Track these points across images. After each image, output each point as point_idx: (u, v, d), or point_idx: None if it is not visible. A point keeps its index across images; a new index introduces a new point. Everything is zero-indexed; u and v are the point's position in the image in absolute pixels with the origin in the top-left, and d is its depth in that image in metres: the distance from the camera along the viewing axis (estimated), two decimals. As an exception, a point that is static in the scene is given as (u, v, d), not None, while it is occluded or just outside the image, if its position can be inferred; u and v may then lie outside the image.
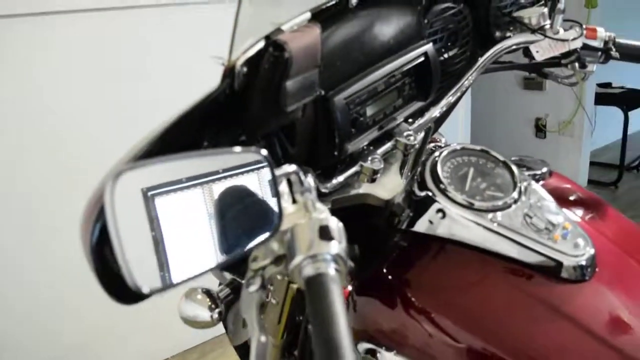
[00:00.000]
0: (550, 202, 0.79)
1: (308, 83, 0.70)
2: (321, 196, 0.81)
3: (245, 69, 0.64)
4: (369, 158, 0.84)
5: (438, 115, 0.95)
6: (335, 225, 0.58)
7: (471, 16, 1.02)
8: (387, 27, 0.86)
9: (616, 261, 0.78)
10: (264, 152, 0.53)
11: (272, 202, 0.54)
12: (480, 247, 0.77)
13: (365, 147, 0.87)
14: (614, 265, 0.77)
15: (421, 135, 0.98)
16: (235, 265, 0.69)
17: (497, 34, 1.00)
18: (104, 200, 0.44)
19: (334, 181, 0.82)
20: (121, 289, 0.59)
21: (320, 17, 0.75)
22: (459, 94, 0.97)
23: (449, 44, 1.00)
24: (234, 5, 0.64)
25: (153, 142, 0.58)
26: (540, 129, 3.96)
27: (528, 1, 1.03)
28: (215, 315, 0.89)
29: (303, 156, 0.84)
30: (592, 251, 0.74)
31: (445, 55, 1.01)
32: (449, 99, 0.96)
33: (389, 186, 0.87)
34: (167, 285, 0.48)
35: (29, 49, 1.81)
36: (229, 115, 0.68)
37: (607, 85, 4.06)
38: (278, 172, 0.58)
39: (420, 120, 0.94)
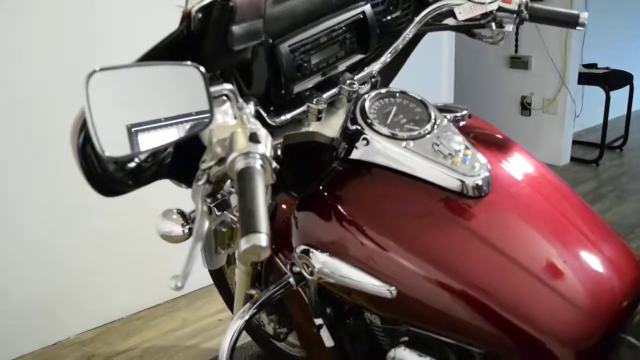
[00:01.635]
0: (456, 134, 0.95)
1: (253, 29, 0.87)
2: (271, 128, 0.98)
3: (200, 15, 0.82)
4: (315, 100, 1.01)
5: (379, 68, 1.12)
6: (264, 133, 0.76)
7: None
8: None
9: (509, 183, 0.94)
10: (201, 68, 0.70)
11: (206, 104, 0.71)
12: (397, 169, 0.94)
13: (312, 91, 1.04)
14: (506, 186, 0.93)
15: (367, 86, 1.16)
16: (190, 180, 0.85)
17: None
18: (84, 93, 0.62)
19: (282, 117, 0.99)
20: (102, 183, 0.79)
21: None
22: (396, 50, 1.13)
23: (390, 7, 1.16)
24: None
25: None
26: (525, 107, 4.11)
27: (463, -29, 1.19)
28: (187, 231, 1.06)
29: (259, 95, 1.01)
30: (486, 173, 0.90)
31: (389, 17, 1.17)
32: (387, 55, 1.12)
33: (335, 127, 1.04)
34: (132, 153, 0.66)
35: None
36: (190, 53, 0.86)
37: (593, 66, 4.19)
38: (215, 87, 0.75)
39: (364, 72, 1.11)
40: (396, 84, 3.00)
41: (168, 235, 1.06)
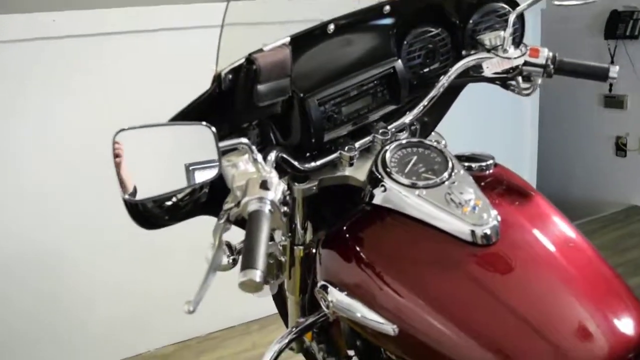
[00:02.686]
0: (469, 184, 1.00)
1: (279, 87, 0.98)
2: (301, 172, 1.09)
3: (230, 76, 0.95)
4: (346, 147, 1.11)
5: (412, 118, 1.19)
6: (275, 181, 0.87)
7: (450, 38, 1.25)
8: (358, 48, 1.14)
9: (520, 234, 0.98)
10: (213, 128, 0.83)
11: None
12: (412, 216, 1.00)
13: (346, 139, 1.14)
14: (517, 236, 0.97)
15: (406, 133, 1.23)
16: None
17: (463, 52, 1.23)
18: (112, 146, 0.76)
19: (312, 163, 1.09)
20: (141, 217, 0.94)
21: (302, 39, 1.04)
22: (432, 100, 1.20)
23: (427, 60, 1.24)
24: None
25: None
26: (620, 148, 3.95)
27: (501, 26, 1.24)
28: (231, 261, 1.18)
29: (294, 143, 1.12)
30: (495, 222, 0.95)
31: (425, 70, 1.25)
32: (422, 105, 1.19)
33: (367, 172, 1.13)
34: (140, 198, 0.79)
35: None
36: (222, 108, 0.99)
37: (698, 106, 3.96)
38: (226, 142, 0.87)
39: (398, 121, 1.19)
40: (481, 125, 3.02)
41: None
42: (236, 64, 0.94)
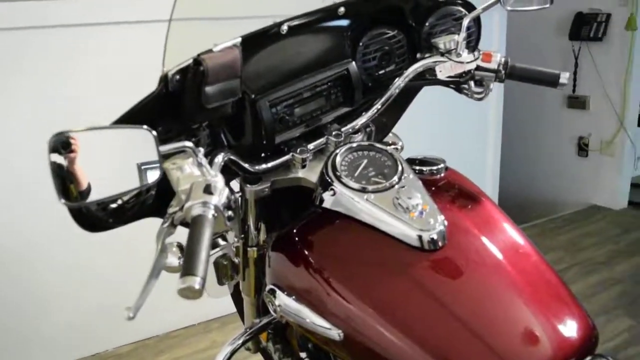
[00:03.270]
0: (417, 189, 1.00)
1: (228, 88, 0.96)
2: (250, 174, 1.07)
3: (177, 77, 0.93)
4: (299, 149, 1.10)
5: (365, 121, 1.19)
6: (220, 186, 0.85)
7: (406, 40, 1.25)
8: (311, 49, 1.12)
9: (467, 238, 0.98)
10: (153, 132, 0.81)
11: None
12: (361, 220, 1.00)
13: (299, 141, 1.13)
14: (463, 241, 0.98)
15: (360, 135, 1.23)
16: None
17: (419, 55, 1.23)
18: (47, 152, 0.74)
19: (264, 165, 1.08)
20: (85, 220, 0.91)
21: (254, 40, 1.02)
22: (386, 103, 1.19)
23: (383, 62, 1.23)
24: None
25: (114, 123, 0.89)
26: (582, 148, 4.02)
27: (457, 29, 1.24)
28: (181, 263, 1.16)
29: (245, 145, 1.10)
30: (441, 228, 0.95)
31: (381, 72, 1.24)
32: (376, 107, 1.19)
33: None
34: (78, 201, 0.77)
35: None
36: (171, 109, 0.97)
37: (658, 108, 4.05)
38: (170, 145, 0.86)
39: (352, 123, 1.18)
40: (444, 127, 3.03)
41: (167, 266, 1.17)
42: (183, 65, 0.92)
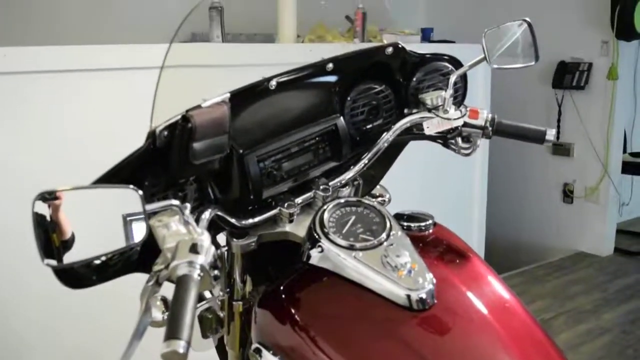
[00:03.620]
0: (405, 247, 0.99)
1: (216, 144, 0.96)
2: (236, 230, 1.07)
3: (165, 133, 0.92)
4: (286, 204, 1.09)
5: (353, 175, 1.19)
6: (206, 244, 0.84)
7: (393, 95, 1.26)
8: (299, 104, 1.13)
9: (456, 297, 0.97)
10: (140, 192, 0.80)
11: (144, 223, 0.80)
12: (349, 278, 0.99)
13: (286, 195, 1.12)
14: (452, 300, 0.97)
15: (348, 189, 1.22)
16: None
17: (406, 110, 1.24)
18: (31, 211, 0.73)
19: (251, 220, 1.07)
20: (67, 277, 0.89)
21: (242, 95, 1.02)
22: (373, 157, 1.19)
23: (370, 116, 1.24)
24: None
25: (98, 180, 0.89)
26: (567, 195, 4.06)
27: (444, 85, 1.26)
28: (166, 317, 1.14)
29: (232, 199, 1.10)
30: (430, 287, 0.94)
31: (369, 126, 1.25)
32: (363, 162, 1.19)
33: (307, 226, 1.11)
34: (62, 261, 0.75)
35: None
36: (158, 165, 0.96)
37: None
38: (156, 204, 0.85)
39: (339, 177, 1.18)
40: (430, 175, 3.03)
41: (152, 321, 1.15)
42: (171, 121, 0.92)
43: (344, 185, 1.19)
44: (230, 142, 0.99)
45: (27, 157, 2.11)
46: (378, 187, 1.37)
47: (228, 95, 0.99)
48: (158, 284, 0.89)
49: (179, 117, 0.92)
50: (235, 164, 1.05)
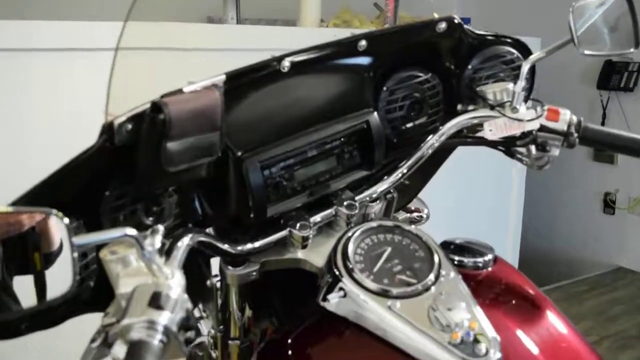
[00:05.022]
0: (463, 297, 0.73)
1: (203, 145, 0.69)
2: (231, 257, 0.80)
3: (128, 127, 0.65)
4: (298, 224, 0.82)
5: (388, 187, 0.91)
6: (175, 294, 0.57)
7: (441, 87, 0.98)
8: (320, 93, 0.85)
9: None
10: (65, 220, 0.54)
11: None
12: (378, 334, 0.72)
13: (299, 212, 0.85)
14: None
15: (379, 204, 0.95)
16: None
17: (459, 106, 0.96)
18: None
19: (249, 245, 0.80)
20: None
21: (243, 78, 0.75)
22: (414, 166, 0.93)
23: (412, 113, 0.97)
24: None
25: (33, 190, 0.62)
26: (608, 205, 3.74)
27: (507, 75, 0.98)
28: None
29: (226, 216, 0.83)
30: (498, 355, 0.67)
31: (409, 125, 0.97)
32: (402, 171, 0.92)
33: (326, 254, 0.84)
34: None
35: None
36: (118, 171, 0.69)
37: (691, 164, 3.79)
38: (103, 234, 0.57)
39: (368, 191, 0.91)
40: (464, 180, 2.75)
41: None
42: (137, 111, 0.65)
43: (374, 200, 0.92)
44: (224, 141, 0.73)
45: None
46: (414, 200, 1.11)
47: (223, 77, 0.72)
48: (107, 344, 0.62)
49: (148, 105, 0.65)
50: (231, 172, 0.78)
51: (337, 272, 0.75)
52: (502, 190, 3.10)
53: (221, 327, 0.93)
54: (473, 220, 2.72)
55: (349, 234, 0.80)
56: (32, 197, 0.64)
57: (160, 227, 0.67)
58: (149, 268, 0.59)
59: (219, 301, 0.90)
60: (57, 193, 0.65)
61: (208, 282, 0.87)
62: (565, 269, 3.79)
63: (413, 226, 0.82)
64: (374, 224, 0.81)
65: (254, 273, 0.82)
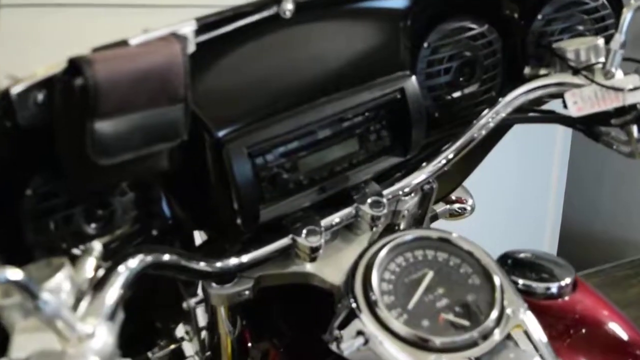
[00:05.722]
0: (542, 343, 0.51)
1: (157, 124, 0.47)
2: (209, 278, 0.60)
3: (38, 99, 0.44)
4: (305, 230, 0.61)
5: (428, 176, 0.69)
6: None
7: (500, 43, 0.75)
8: (339, 50, 0.62)
9: None
10: None
11: None
12: None
13: (307, 212, 0.64)
14: None
15: (414, 198, 0.74)
16: None
17: (527, 70, 0.73)
18: None
19: (234, 260, 0.59)
20: None
21: (220, 26, 0.53)
22: (465, 148, 0.71)
23: (461, 78, 0.74)
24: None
25: None
26: (658, 180, 3.46)
27: (587, 29, 0.75)
28: None
29: (205, 220, 0.63)
30: None
31: (457, 94, 0.74)
32: (448, 154, 0.69)
33: (344, 267, 0.62)
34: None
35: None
36: (46, 156, 0.48)
37: None
38: None
39: (400, 183, 0.69)
40: (503, 155, 2.55)
41: None
42: (47, 75, 0.43)
43: (408, 193, 0.71)
44: (191, 118, 0.50)
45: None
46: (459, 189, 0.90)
47: (193, 25, 0.50)
48: None
49: (63, 65, 0.43)
50: (209, 161, 0.56)
51: (355, 306, 0.54)
52: (542, 164, 2.87)
53: (208, 353, 0.74)
54: (510, 195, 2.53)
55: (374, 248, 0.58)
56: None
57: (96, 246, 0.46)
58: (52, 327, 0.37)
59: (201, 324, 0.71)
60: None
61: (184, 305, 0.67)
62: (605, 251, 3.52)
63: (464, 241, 0.59)
64: (408, 235, 0.59)
65: (247, 292, 0.62)
